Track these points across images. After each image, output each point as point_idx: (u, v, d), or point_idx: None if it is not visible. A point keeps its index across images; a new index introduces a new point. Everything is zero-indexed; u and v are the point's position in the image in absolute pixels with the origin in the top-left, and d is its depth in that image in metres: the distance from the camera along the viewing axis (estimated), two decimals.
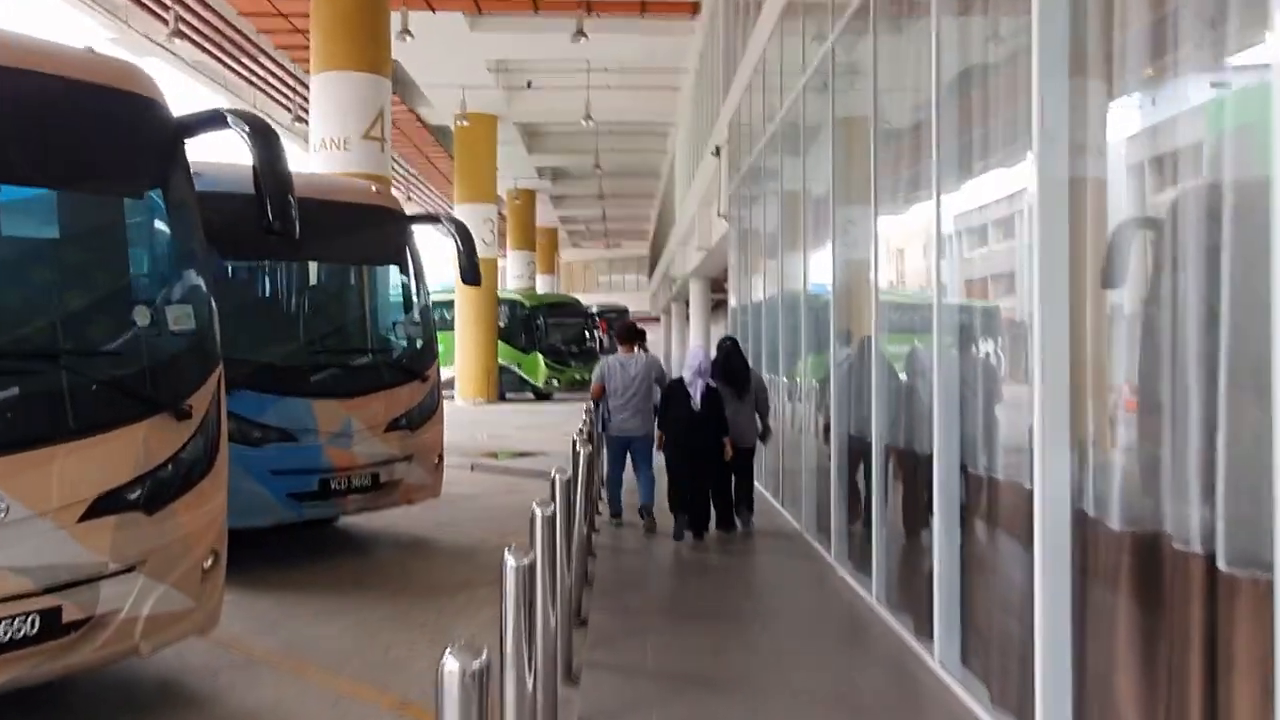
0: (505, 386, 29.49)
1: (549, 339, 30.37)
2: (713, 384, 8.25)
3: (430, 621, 6.03)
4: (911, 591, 5.47)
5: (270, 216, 4.57)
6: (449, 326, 28.99)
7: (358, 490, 7.62)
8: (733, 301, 14.86)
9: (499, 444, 17.06)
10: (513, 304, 30.81)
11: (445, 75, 25.01)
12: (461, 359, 28.14)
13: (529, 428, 19.85)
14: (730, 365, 8.65)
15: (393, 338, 8.49)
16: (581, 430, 7.80)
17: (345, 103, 15.56)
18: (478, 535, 8.82)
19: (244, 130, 4.64)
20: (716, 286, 32.61)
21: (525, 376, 30.12)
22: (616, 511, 8.81)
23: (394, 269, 8.51)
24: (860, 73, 6.93)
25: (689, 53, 23.00)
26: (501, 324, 29.33)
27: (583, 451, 5.91)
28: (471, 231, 8.57)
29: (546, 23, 22.11)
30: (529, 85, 26.30)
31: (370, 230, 8.26)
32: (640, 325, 10.76)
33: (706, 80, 20.36)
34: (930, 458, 4.97)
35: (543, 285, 47.50)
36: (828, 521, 7.46)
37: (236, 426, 7.01)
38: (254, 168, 4.64)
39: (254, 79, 25.48)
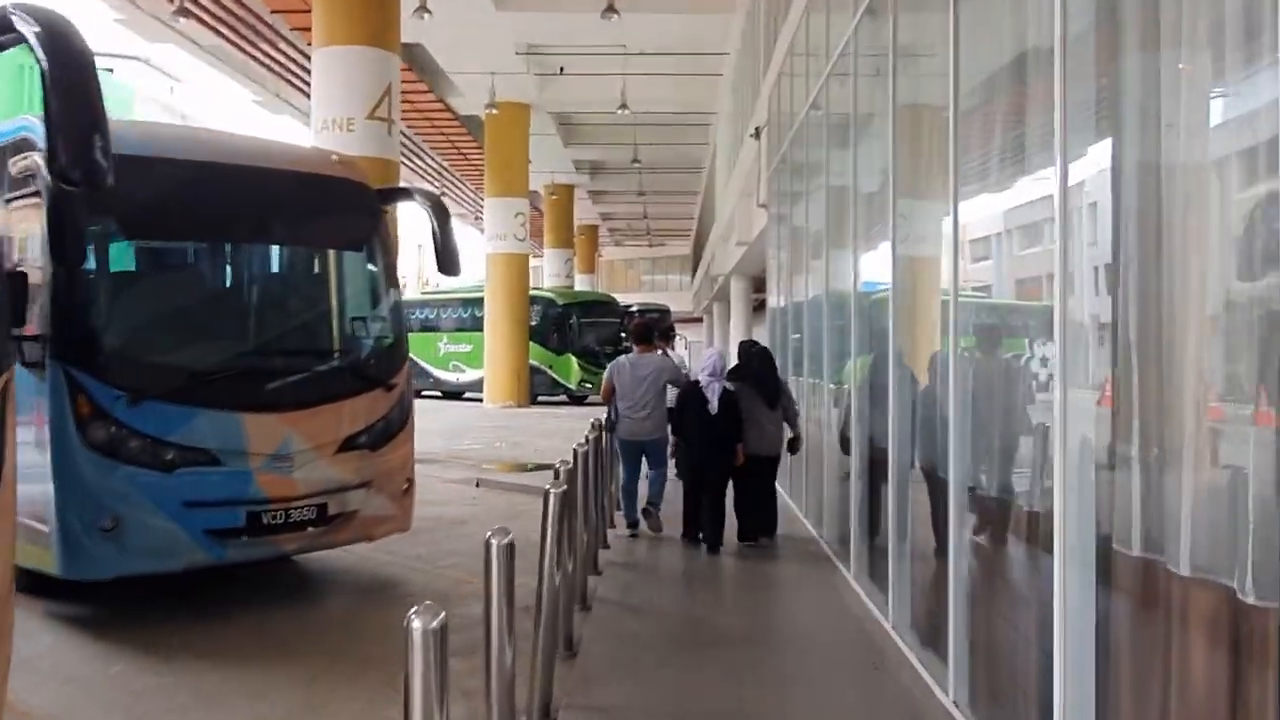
0: (537, 389, 28.09)
1: (583, 339, 28.92)
2: (729, 387, 7.92)
3: (356, 716, 4.55)
4: (1011, 702, 3.89)
5: (64, 159, 3.07)
6: (479, 327, 27.72)
7: (299, 525, 6.18)
8: (773, 301, 13.30)
9: (517, 453, 15.62)
10: (545, 302, 29.39)
11: (474, 61, 23.67)
12: (490, 360, 26.81)
13: (555, 435, 18.34)
14: (760, 369, 8.25)
15: (351, 337, 7.02)
16: (573, 456, 6.29)
17: (348, 80, 14.25)
18: (457, 576, 7.32)
19: (31, 30, 3.15)
20: (758, 285, 30.99)
21: (558, 379, 28.70)
22: (633, 522, 8.41)
23: (356, 254, 7.06)
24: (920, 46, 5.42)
25: (730, 33, 21.41)
26: (533, 323, 27.94)
27: (554, 493, 4.39)
28: (457, 214, 7.07)
29: (577, 0, 20.66)
30: (561, 71, 24.87)
31: (326, 206, 6.82)
32: (670, 325, 9.84)
33: (748, 61, 18.77)
34: (1043, 516, 3.40)
35: (583, 284, 46.20)
36: (883, 570, 5.90)
37: (142, 446, 5.65)
38: (44, 90, 3.13)
39: (274, 65, 24.30)
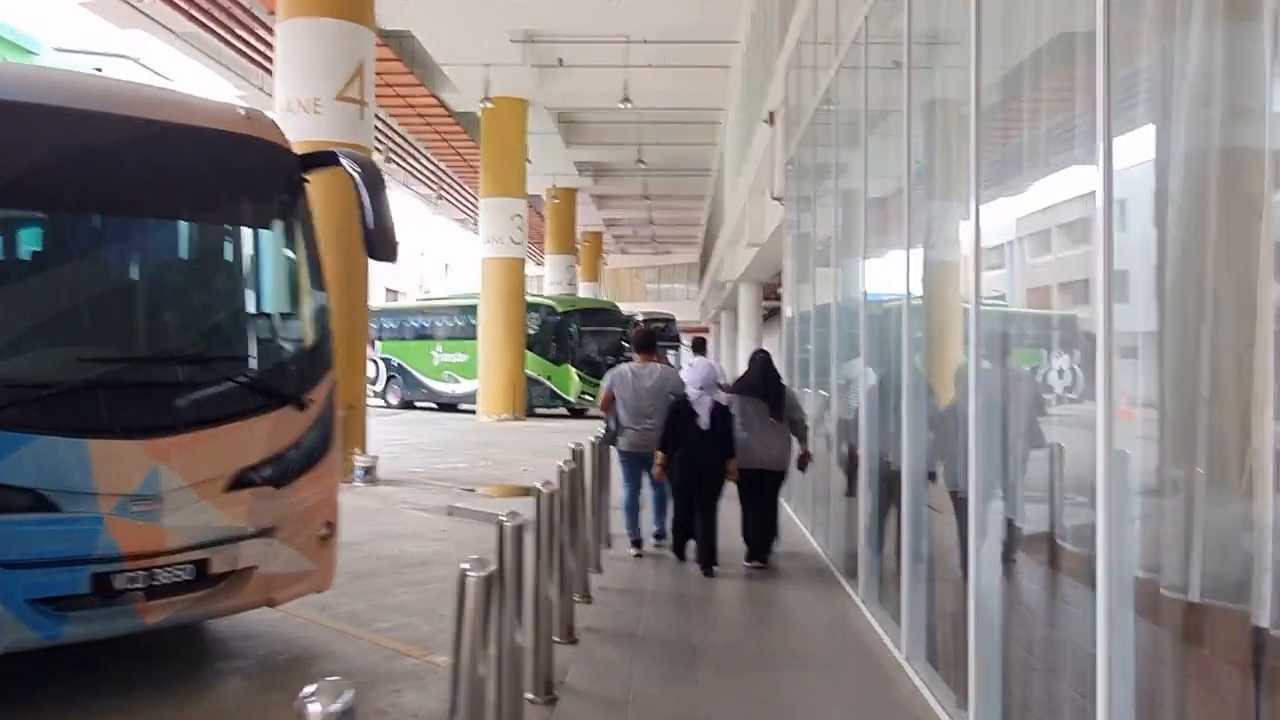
0: (535, 401, 26.55)
1: (583, 349, 27.39)
2: (722, 401, 7.58)
3: None
4: None
5: None
6: (475, 335, 26.24)
7: (170, 589, 4.63)
8: (788, 310, 11.74)
9: (502, 473, 14.06)
10: (543, 310, 27.87)
11: (467, 51, 22.16)
12: (485, 371, 25.29)
13: (548, 452, 16.71)
14: (765, 380, 7.76)
15: (253, 340, 5.47)
16: (535, 501, 4.76)
17: (315, 56, 12.83)
18: (396, 646, 5.77)
19: None
20: (769, 293, 29.37)
21: (556, 390, 27.15)
22: (636, 540, 8.00)
23: (266, 233, 5.53)
24: None
25: (739, 19, 19.92)
26: (530, 332, 26.43)
27: (474, 579, 2.84)
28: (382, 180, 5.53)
29: None
30: (560, 62, 23.38)
31: (227, 170, 5.28)
32: (674, 334, 9.21)
33: (759, 44, 17.27)
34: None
35: (587, 293, 44.78)
36: (952, 651, 4.38)
37: None
38: None
39: (255, 55, 22.80)
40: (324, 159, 5.65)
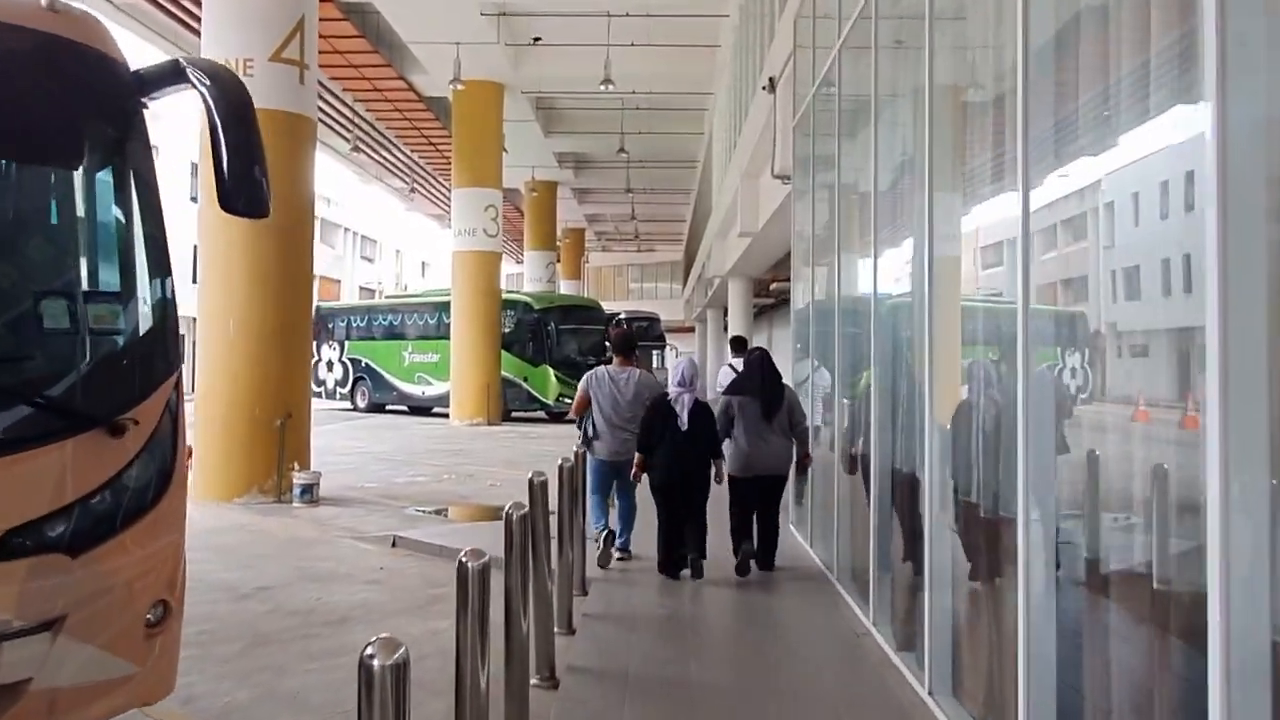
0: (511, 404, 24.85)
1: (562, 349, 25.66)
2: (701, 400, 7.23)
3: None
4: None
5: None
6: (444, 334, 24.54)
7: None
8: (800, 299, 10.06)
9: (466, 490, 12.36)
10: (520, 307, 26.13)
11: (437, 29, 20.41)
12: (457, 372, 23.57)
13: (521, 462, 15.04)
14: (763, 379, 7.44)
15: (37, 331, 3.69)
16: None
17: (247, 9, 11.08)
18: None
19: None
20: (760, 288, 27.74)
21: (534, 392, 25.42)
22: (604, 527, 7.63)
23: (70, 177, 3.81)
24: None
25: None
26: (506, 330, 24.71)
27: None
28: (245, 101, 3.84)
29: None
30: (535, 41, 21.67)
31: (13, 84, 3.58)
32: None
33: (753, 16, 15.64)
34: None
35: (568, 291, 43.15)
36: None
37: None
38: None
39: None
40: (168, 75, 3.94)
